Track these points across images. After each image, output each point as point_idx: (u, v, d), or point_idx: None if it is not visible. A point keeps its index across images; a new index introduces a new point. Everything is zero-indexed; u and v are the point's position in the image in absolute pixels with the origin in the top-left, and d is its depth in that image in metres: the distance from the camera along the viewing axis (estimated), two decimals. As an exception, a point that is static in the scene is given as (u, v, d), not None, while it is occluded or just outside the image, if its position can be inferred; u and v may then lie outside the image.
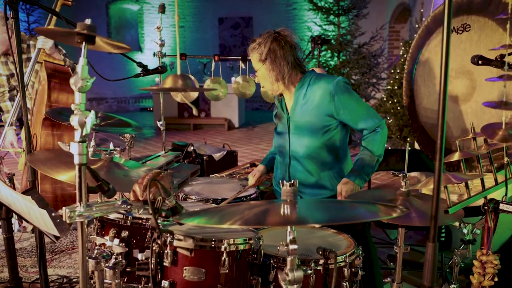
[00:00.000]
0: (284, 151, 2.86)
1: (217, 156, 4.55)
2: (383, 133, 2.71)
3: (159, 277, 1.87)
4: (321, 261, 1.89)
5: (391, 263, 2.20)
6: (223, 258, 1.83)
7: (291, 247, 1.50)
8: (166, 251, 1.84)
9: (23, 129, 3.56)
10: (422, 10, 7.15)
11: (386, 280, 2.18)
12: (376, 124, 2.69)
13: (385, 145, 2.76)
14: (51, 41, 3.88)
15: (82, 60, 1.40)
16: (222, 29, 15.33)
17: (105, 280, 1.84)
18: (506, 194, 2.02)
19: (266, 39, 2.71)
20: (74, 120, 1.39)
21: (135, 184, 1.79)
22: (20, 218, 3.24)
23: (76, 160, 1.43)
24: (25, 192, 1.94)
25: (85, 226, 1.50)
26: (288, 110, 2.85)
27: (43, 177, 3.63)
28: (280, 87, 2.79)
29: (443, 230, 2.98)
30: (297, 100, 2.78)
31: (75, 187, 1.45)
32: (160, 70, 3.23)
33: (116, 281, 1.86)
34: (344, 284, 1.98)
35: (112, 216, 2.07)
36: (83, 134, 1.40)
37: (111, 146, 2.37)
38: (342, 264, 1.97)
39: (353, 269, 2.03)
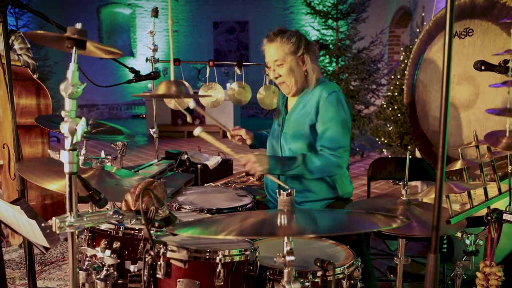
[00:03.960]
0: (275, 152, 2.91)
1: (211, 164, 4.50)
2: (330, 163, 2.62)
3: (152, 289, 1.83)
4: (319, 273, 1.85)
5: (392, 275, 2.17)
6: (218, 270, 1.79)
7: (288, 258, 1.47)
8: (159, 263, 1.80)
9: None
10: (423, 14, 7.15)
11: (386, 292, 2.14)
12: (335, 152, 2.63)
13: (323, 174, 2.67)
14: None
15: (72, 66, 1.38)
16: (217, 33, 15.33)
17: (96, 293, 1.81)
18: (510, 204, 1.99)
19: (299, 34, 2.73)
20: (64, 128, 1.37)
21: (127, 193, 1.76)
22: (2, 234, 3.17)
23: (67, 169, 1.40)
24: (13, 202, 1.89)
25: (76, 237, 1.48)
26: (288, 110, 2.88)
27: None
28: (301, 86, 2.79)
29: (445, 241, 2.95)
30: (298, 104, 2.81)
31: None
32: (153, 76, 3.20)
33: (107, 293, 1.82)
34: (343, 296, 1.95)
35: (104, 226, 2.03)
36: (74, 142, 1.38)
37: (103, 154, 2.34)
38: (341, 276, 1.94)
39: (352, 281, 2.00)
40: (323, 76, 2.89)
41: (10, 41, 4.22)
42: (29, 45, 4.27)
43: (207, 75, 3.99)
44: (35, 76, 3.94)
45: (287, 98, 2.94)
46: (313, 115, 2.71)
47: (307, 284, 1.78)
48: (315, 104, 2.71)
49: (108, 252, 1.94)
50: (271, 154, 2.96)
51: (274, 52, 2.72)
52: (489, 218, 1.94)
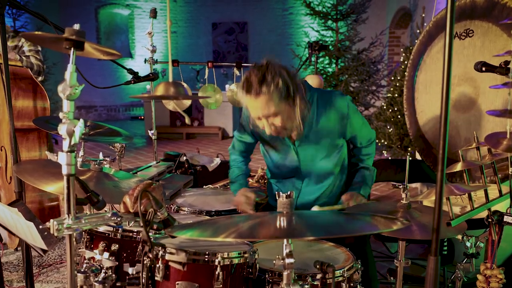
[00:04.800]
0: (294, 178, 2.72)
1: (210, 166, 4.49)
2: (374, 146, 2.86)
3: (151, 292, 1.82)
4: (319, 276, 1.83)
5: (392, 278, 2.16)
6: (217, 273, 1.78)
7: (288, 261, 1.46)
8: (157, 265, 1.80)
9: None
10: (423, 15, 7.15)
11: (386, 295, 2.13)
12: (372, 139, 2.82)
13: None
14: None
15: (70, 67, 1.38)
16: (216, 34, 15.29)
17: (94, 296, 1.80)
18: (510, 206, 1.98)
19: (275, 72, 2.30)
20: (62, 129, 1.36)
21: (125, 195, 1.75)
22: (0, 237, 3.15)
23: (65, 171, 1.39)
24: (11, 204, 1.88)
25: (74, 239, 1.46)
26: (293, 140, 2.60)
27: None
28: (303, 120, 2.46)
29: (445, 244, 2.94)
30: (308, 127, 2.54)
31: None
32: (152, 77, 3.18)
33: (106, 296, 1.81)
34: (342, 299, 1.93)
35: (102, 228, 2.02)
36: (72, 143, 1.37)
37: (101, 156, 2.33)
38: (340, 278, 1.92)
39: (352, 284, 1.99)
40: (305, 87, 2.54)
41: (20, 42, 4.21)
42: (39, 48, 4.23)
43: (206, 76, 3.99)
44: (40, 78, 3.91)
45: None
46: (338, 126, 2.57)
47: (306, 286, 1.77)
48: (336, 116, 2.54)
49: (106, 254, 1.94)
50: (290, 189, 2.71)
51: (264, 106, 2.33)
52: (489, 220, 1.93)
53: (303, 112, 2.43)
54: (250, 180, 3.71)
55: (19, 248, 3.91)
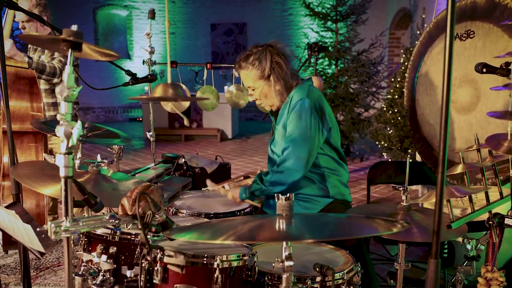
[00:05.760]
0: (271, 157, 2.89)
1: (209, 168, 4.48)
2: (281, 177, 2.61)
3: (149, 295, 1.80)
4: (318, 278, 1.83)
5: (392, 280, 2.15)
6: (215, 275, 1.77)
7: (287, 263, 1.46)
8: (156, 268, 1.78)
9: None
10: (423, 16, 7.13)
11: (386, 298, 2.12)
12: (287, 163, 2.60)
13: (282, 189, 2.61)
14: (9, 42, 3.35)
15: (68, 68, 1.36)
16: (214, 35, 15.26)
17: (92, 299, 1.79)
18: (511, 208, 1.97)
19: (263, 53, 2.65)
20: (59, 131, 1.35)
21: (123, 197, 1.75)
22: None
23: (62, 173, 1.38)
24: (9, 206, 1.87)
25: (71, 242, 1.45)
26: (276, 117, 2.87)
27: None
28: (281, 100, 2.75)
29: (446, 246, 2.93)
30: (281, 111, 2.79)
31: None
32: (150, 78, 3.17)
33: (104, 299, 1.80)
34: (342, 302, 1.92)
35: (100, 231, 2.00)
36: (69, 145, 1.36)
37: (99, 158, 2.32)
38: (340, 281, 1.92)
39: (351, 287, 1.98)
40: (300, 81, 2.81)
41: None
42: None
43: (205, 78, 3.98)
44: (55, 80, 3.85)
45: None
46: (286, 119, 2.70)
47: (305, 289, 1.77)
48: (287, 109, 2.70)
49: (104, 257, 1.93)
50: (269, 160, 2.95)
51: (245, 79, 2.75)
52: (490, 222, 1.92)
53: (285, 85, 2.71)
54: (249, 182, 3.72)
55: (9, 251, 3.90)
